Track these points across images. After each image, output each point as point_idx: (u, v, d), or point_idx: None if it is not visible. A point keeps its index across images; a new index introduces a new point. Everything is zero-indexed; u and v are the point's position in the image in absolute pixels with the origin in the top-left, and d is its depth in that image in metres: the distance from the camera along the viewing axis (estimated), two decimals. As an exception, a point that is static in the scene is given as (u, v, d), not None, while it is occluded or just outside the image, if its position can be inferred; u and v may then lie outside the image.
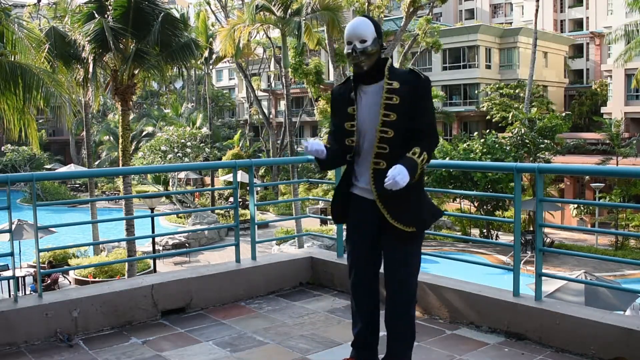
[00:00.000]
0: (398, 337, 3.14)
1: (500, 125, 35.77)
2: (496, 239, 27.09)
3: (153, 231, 16.95)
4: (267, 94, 52.26)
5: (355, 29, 3.02)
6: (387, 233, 3.05)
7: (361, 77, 3.07)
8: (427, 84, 3.00)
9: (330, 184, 3.77)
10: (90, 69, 16.90)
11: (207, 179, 41.96)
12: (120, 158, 18.10)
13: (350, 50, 3.01)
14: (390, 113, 2.95)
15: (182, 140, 30.98)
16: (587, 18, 57.31)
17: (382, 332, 4.02)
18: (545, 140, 28.58)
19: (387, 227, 3.02)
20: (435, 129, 3.06)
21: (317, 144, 3.07)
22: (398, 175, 2.79)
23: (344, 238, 5.07)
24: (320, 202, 31.36)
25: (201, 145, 32.76)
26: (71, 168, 32.91)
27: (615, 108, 35.64)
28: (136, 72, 17.84)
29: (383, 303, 3.20)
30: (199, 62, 39.11)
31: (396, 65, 34.45)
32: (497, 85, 40.94)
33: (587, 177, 27.95)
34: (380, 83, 3.01)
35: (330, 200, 3.37)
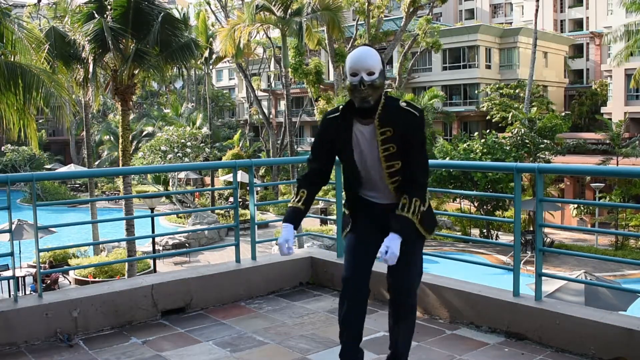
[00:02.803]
0: (403, 339, 3.16)
1: (500, 125, 35.76)
2: (496, 239, 27.10)
3: (153, 231, 16.95)
4: (267, 94, 52.25)
5: (363, 60, 2.82)
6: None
7: (358, 112, 2.93)
8: (422, 122, 2.93)
9: (330, 184, 3.72)
10: (90, 69, 16.91)
11: (207, 179, 41.96)
12: (120, 158, 18.11)
13: (356, 83, 2.81)
14: (394, 163, 2.92)
15: (182, 140, 30.96)
16: (587, 18, 57.31)
17: (382, 333, 4.02)
18: (545, 140, 28.58)
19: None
20: (427, 168, 3.01)
21: (287, 239, 3.00)
22: (390, 254, 2.82)
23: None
24: (320, 202, 31.36)
25: (201, 145, 32.75)
26: (71, 168, 32.92)
27: (615, 108, 35.64)
28: (136, 72, 17.84)
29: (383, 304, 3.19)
30: (199, 62, 39.09)
31: (396, 65, 34.28)
32: (497, 85, 40.92)
33: (587, 177, 27.94)
34: (371, 121, 2.93)
35: (329, 199, 3.33)
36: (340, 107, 3.03)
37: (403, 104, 2.92)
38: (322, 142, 3.08)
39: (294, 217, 3.08)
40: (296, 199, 3.09)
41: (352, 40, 36.02)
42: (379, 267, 3.26)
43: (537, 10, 35.28)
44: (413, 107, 2.93)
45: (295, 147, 32.84)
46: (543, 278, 4.17)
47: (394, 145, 2.88)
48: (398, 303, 3.08)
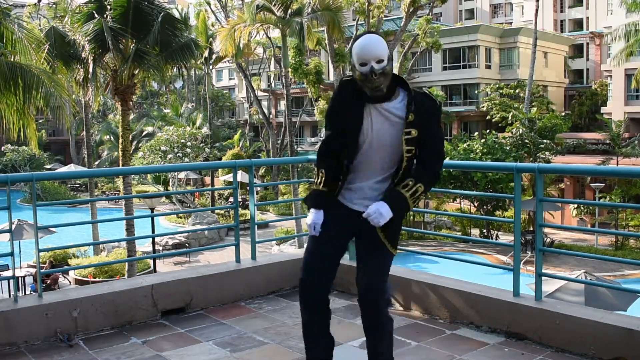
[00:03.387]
0: (386, 349, 3.06)
1: (500, 125, 35.76)
2: (496, 239, 27.10)
3: (153, 231, 16.95)
4: (267, 94, 52.25)
5: (372, 49, 2.75)
6: (365, 241, 2.96)
7: (370, 98, 2.85)
8: (440, 110, 2.94)
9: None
10: (90, 69, 16.90)
11: (207, 179, 41.96)
12: (120, 158, 18.11)
13: (367, 73, 2.74)
14: (412, 148, 2.84)
15: (182, 140, 30.97)
16: (587, 18, 57.31)
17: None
18: (545, 140, 28.58)
19: (368, 236, 2.92)
20: (442, 156, 2.96)
21: (315, 222, 2.98)
22: (376, 213, 2.78)
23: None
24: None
25: (201, 145, 32.76)
26: (71, 168, 32.92)
27: (615, 108, 35.63)
28: (136, 72, 17.84)
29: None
30: (199, 62, 39.10)
31: (396, 65, 34.28)
32: (497, 85, 40.93)
33: (587, 177, 27.94)
34: (394, 103, 2.85)
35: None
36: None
37: (424, 90, 2.94)
38: (339, 105, 2.95)
39: (319, 201, 3.01)
40: (318, 181, 3.03)
41: (352, 40, 35.96)
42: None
43: (537, 10, 35.28)
44: (432, 99, 2.93)
45: (295, 147, 32.83)
46: (543, 278, 4.17)
47: (415, 130, 2.82)
48: (369, 307, 2.95)
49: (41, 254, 16.79)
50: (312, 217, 2.98)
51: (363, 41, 2.80)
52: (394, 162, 2.89)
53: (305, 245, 3.16)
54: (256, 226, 5.14)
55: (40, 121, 40.64)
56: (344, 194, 3.00)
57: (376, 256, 2.94)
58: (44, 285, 16.68)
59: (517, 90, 39.37)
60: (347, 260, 4.46)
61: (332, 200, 3.00)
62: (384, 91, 2.81)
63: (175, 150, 30.55)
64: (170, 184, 35.30)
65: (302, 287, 3.02)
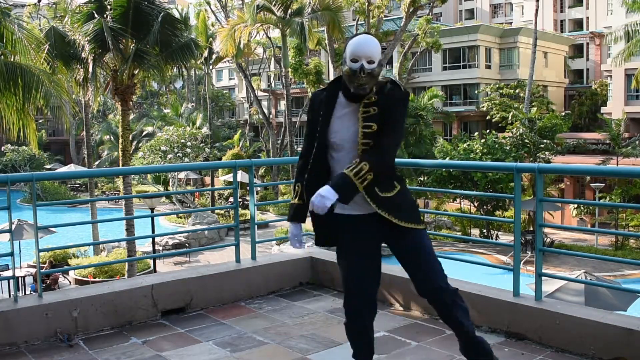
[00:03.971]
0: (464, 316, 3.05)
1: (500, 125, 35.76)
2: (496, 239, 27.10)
3: (153, 231, 16.94)
4: (267, 94, 52.26)
5: (365, 48, 2.80)
6: (394, 236, 2.96)
7: (349, 95, 2.89)
8: (406, 97, 2.91)
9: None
10: (90, 69, 16.90)
11: (207, 179, 41.95)
12: (120, 158, 18.11)
13: (356, 69, 2.78)
14: (371, 124, 2.83)
15: (182, 140, 30.97)
16: (587, 18, 57.31)
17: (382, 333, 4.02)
18: (545, 140, 28.58)
19: (392, 231, 2.92)
20: (397, 139, 2.87)
21: (294, 234, 3.10)
22: (316, 198, 2.72)
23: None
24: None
25: (201, 145, 32.75)
26: (71, 168, 32.93)
27: (615, 108, 35.63)
28: (136, 72, 17.84)
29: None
30: (199, 62, 39.11)
31: (396, 65, 34.33)
32: (497, 85, 40.93)
33: (587, 177, 27.94)
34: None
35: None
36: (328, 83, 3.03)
37: (390, 85, 2.92)
38: (313, 120, 3.01)
39: (294, 214, 3.09)
40: (294, 195, 3.12)
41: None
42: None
43: (537, 10, 35.28)
44: (399, 86, 2.93)
45: (295, 147, 32.85)
46: (543, 278, 4.17)
47: (376, 124, 2.82)
48: (439, 301, 2.99)
49: (41, 254, 16.79)
50: (291, 230, 3.10)
51: (360, 39, 2.86)
52: None
53: (305, 246, 3.15)
54: (256, 226, 5.14)
55: (40, 121, 40.70)
56: (336, 205, 2.90)
57: (416, 244, 2.94)
58: (44, 285, 16.68)
59: (517, 90, 39.37)
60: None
61: (331, 221, 2.96)
62: (367, 91, 2.84)
63: (175, 150, 30.54)
64: (170, 184, 35.31)
65: (349, 324, 3.04)
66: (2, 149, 46.20)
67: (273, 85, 51.91)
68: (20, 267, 18.56)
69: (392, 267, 4.89)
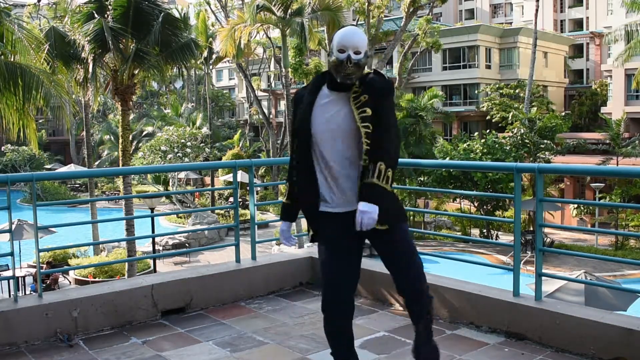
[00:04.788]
0: (420, 321, 3.11)
1: (500, 125, 35.76)
2: (496, 239, 27.10)
3: (153, 231, 16.94)
4: (267, 94, 52.26)
5: (352, 38, 2.86)
6: (374, 236, 2.96)
7: (334, 86, 2.91)
8: (391, 86, 2.95)
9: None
10: (90, 69, 16.89)
11: (207, 179, 41.95)
12: (120, 158, 18.10)
13: (343, 59, 2.82)
14: (365, 108, 2.83)
15: (182, 140, 30.97)
16: (587, 18, 57.30)
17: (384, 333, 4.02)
18: (545, 140, 28.58)
19: (372, 232, 2.91)
20: (395, 132, 2.91)
21: (282, 230, 3.21)
22: (364, 218, 2.78)
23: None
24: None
25: (201, 145, 32.75)
26: (71, 168, 32.91)
27: (615, 108, 35.62)
28: (136, 72, 17.83)
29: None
30: (199, 62, 39.10)
31: (396, 65, 34.22)
32: (497, 85, 40.93)
33: (587, 177, 27.93)
34: (349, 93, 2.89)
35: None
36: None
37: (372, 74, 2.96)
38: (297, 116, 3.04)
39: (284, 214, 3.22)
40: (285, 194, 3.20)
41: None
42: (380, 268, 3.26)
43: (537, 10, 35.28)
44: (382, 75, 2.97)
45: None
46: (543, 278, 4.17)
47: (370, 108, 2.84)
48: (412, 305, 3.07)
49: (41, 254, 16.79)
50: (281, 227, 3.22)
51: (347, 30, 2.93)
52: (359, 148, 2.87)
53: (305, 246, 3.17)
54: (256, 226, 5.14)
55: (40, 121, 40.71)
56: (323, 196, 2.95)
57: (395, 244, 2.96)
58: (44, 285, 16.68)
59: (517, 90, 39.37)
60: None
61: (317, 217, 2.99)
62: (353, 81, 2.88)
63: (175, 150, 30.54)
64: (170, 184, 35.31)
65: (326, 322, 3.05)
66: (2, 149, 46.20)
67: (273, 85, 51.90)
68: (20, 267, 18.55)
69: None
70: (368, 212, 2.78)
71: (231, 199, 34.84)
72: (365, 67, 2.92)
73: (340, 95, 2.91)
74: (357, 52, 2.84)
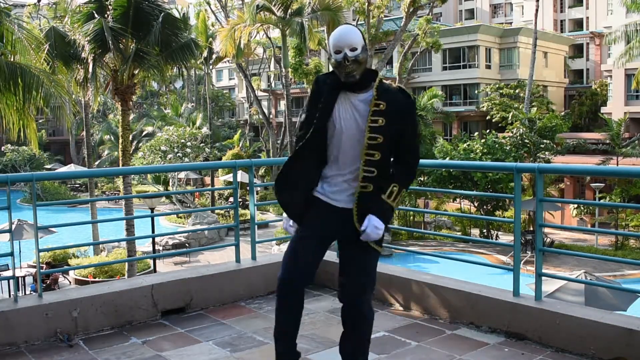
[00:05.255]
0: (358, 352, 3.15)
1: (500, 125, 35.77)
2: (496, 239, 27.09)
3: (153, 231, 16.95)
4: (267, 94, 52.26)
5: (345, 37, 2.89)
6: (349, 241, 3.01)
7: (348, 86, 2.95)
8: (414, 106, 3.03)
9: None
10: (90, 69, 16.89)
11: (207, 179, 41.94)
12: (120, 158, 18.10)
13: (341, 59, 2.87)
14: (377, 136, 2.87)
15: (182, 140, 30.97)
16: (587, 18, 57.31)
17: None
18: (545, 140, 28.58)
19: (351, 236, 2.97)
20: (417, 153, 3.05)
21: (284, 219, 3.18)
22: (373, 231, 2.87)
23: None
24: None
25: (201, 145, 32.75)
26: (71, 168, 32.90)
27: (616, 108, 35.64)
28: (136, 72, 17.83)
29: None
30: (199, 62, 39.10)
31: (396, 65, 34.24)
32: (497, 85, 40.94)
33: (587, 177, 27.93)
34: (367, 95, 2.92)
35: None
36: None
37: (397, 86, 3.02)
38: (315, 104, 3.04)
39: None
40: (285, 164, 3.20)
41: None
42: (380, 268, 3.26)
43: (537, 10, 35.29)
44: (408, 94, 3.02)
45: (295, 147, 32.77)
46: (543, 278, 4.17)
47: (383, 119, 2.88)
48: (348, 309, 3.07)
49: (41, 254, 16.79)
50: (284, 216, 3.20)
51: (338, 31, 2.96)
52: (367, 153, 2.93)
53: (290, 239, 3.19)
54: (256, 226, 5.14)
55: (40, 121, 40.66)
56: (321, 185, 3.05)
57: (361, 256, 3.00)
58: (44, 285, 16.68)
59: (517, 90, 39.38)
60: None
61: (309, 199, 3.06)
62: (357, 78, 2.91)
63: (175, 150, 30.54)
64: (170, 184, 35.30)
65: (280, 288, 3.11)
66: (2, 149, 46.20)
67: (273, 85, 51.90)
68: (20, 267, 18.55)
69: (392, 267, 4.89)
70: (378, 228, 2.88)
71: (231, 199, 34.84)
72: (366, 62, 2.94)
73: (356, 99, 2.95)
74: (352, 49, 2.87)
